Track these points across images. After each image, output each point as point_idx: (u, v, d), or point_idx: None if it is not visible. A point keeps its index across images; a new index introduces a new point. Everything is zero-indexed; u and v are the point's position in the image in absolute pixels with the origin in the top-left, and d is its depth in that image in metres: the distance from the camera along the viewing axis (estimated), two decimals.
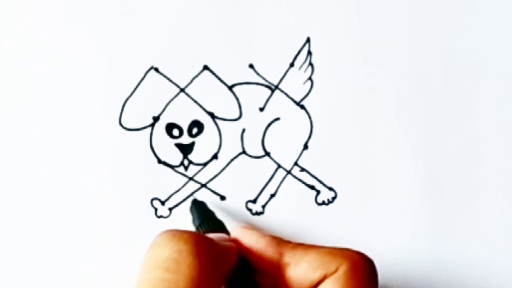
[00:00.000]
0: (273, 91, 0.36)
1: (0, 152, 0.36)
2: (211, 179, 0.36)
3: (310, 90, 0.36)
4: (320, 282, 0.27)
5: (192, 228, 0.34)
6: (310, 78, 0.36)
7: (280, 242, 0.29)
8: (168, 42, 0.36)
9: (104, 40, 0.36)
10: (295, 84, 0.36)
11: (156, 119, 0.36)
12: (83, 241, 0.36)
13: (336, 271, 0.27)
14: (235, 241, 0.29)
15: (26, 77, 0.36)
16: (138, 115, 0.36)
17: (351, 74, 0.36)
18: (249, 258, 0.29)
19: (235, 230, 0.30)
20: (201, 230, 0.32)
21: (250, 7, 0.36)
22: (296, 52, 0.36)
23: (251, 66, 0.36)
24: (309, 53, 0.36)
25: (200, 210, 0.34)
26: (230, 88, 0.36)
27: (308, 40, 0.36)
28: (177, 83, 0.36)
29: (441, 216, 0.37)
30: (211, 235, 0.29)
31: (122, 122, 0.36)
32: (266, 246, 0.28)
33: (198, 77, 0.36)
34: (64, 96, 0.36)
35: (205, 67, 0.36)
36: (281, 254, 0.28)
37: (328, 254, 0.27)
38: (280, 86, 0.36)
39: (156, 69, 0.36)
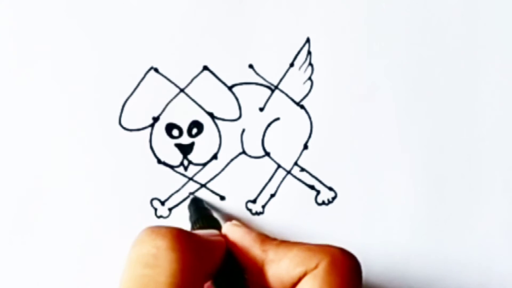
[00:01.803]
0: (273, 91, 0.36)
1: (0, 152, 0.36)
2: (211, 179, 0.36)
3: (310, 90, 0.36)
4: (300, 278, 0.27)
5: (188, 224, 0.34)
6: (310, 78, 0.36)
7: (265, 239, 0.29)
8: (168, 42, 0.36)
9: (104, 40, 0.36)
10: (295, 84, 0.36)
11: (156, 119, 0.36)
12: (83, 241, 0.36)
13: (316, 267, 0.26)
14: (224, 237, 0.29)
15: (26, 77, 0.36)
16: (138, 115, 0.36)
17: (351, 74, 0.36)
18: (235, 254, 0.29)
19: (224, 226, 0.31)
20: (195, 227, 0.32)
21: (250, 7, 0.36)
22: (296, 52, 0.36)
23: (251, 66, 0.36)
24: (309, 53, 0.36)
25: (196, 207, 0.34)
26: (230, 88, 0.36)
27: (308, 40, 0.36)
28: (177, 83, 0.36)
29: (441, 216, 0.37)
30: (201, 231, 0.29)
31: (122, 122, 0.36)
32: (252, 242, 0.29)
33: (198, 77, 0.36)
34: (64, 96, 0.36)
35: (205, 67, 0.36)
36: (265, 251, 0.28)
37: (308, 250, 0.27)
38: (280, 86, 0.36)
39: (156, 69, 0.36)
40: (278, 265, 0.27)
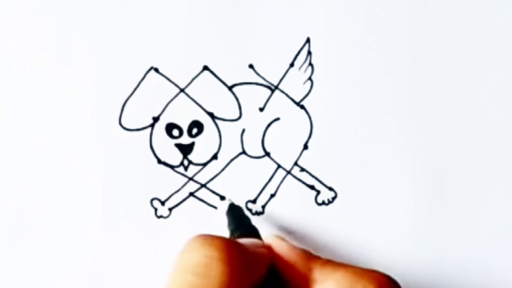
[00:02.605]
0: (273, 91, 0.36)
1: (0, 153, 0.36)
2: (211, 179, 0.36)
3: (310, 90, 0.36)
4: None
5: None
6: (310, 78, 0.36)
7: (311, 256, 0.29)
8: (168, 42, 0.36)
9: (104, 40, 0.36)
10: (295, 84, 0.36)
11: (156, 119, 0.36)
12: (83, 241, 0.36)
13: None
14: (268, 249, 0.29)
15: (26, 77, 0.36)
16: (138, 115, 0.36)
17: (351, 74, 0.36)
18: (279, 268, 0.29)
19: (269, 238, 0.31)
20: (235, 235, 0.32)
21: (250, 7, 0.36)
22: (296, 52, 0.36)
23: (251, 66, 0.36)
24: (309, 53, 0.36)
25: (235, 215, 0.34)
26: (230, 88, 0.36)
27: (308, 40, 0.36)
28: (177, 83, 0.36)
29: (441, 216, 0.37)
30: (245, 240, 0.29)
31: (122, 122, 0.36)
32: (297, 258, 0.29)
33: (198, 77, 0.36)
34: (64, 96, 0.36)
35: (205, 67, 0.36)
36: (310, 269, 0.28)
37: (355, 274, 0.27)
38: (280, 86, 0.36)
39: (156, 69, 0.36)
40: (322, 285, 0.28)
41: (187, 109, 0.36)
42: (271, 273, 0.28)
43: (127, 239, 0.36)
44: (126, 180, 0.36)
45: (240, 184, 0.36)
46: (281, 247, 0.29)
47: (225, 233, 0.35)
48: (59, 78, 0.36)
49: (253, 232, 0.32)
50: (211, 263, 0.25)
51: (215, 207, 0.36)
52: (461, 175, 0.37)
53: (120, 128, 0.36)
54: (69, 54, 0.36)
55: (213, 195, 0.36)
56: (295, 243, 0.32)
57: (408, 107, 0.37)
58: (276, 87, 0.36)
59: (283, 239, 0.31)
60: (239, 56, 0.36)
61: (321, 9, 0.36)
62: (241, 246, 0.27)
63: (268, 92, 0.36)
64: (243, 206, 0.36)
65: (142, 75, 0.36)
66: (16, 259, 0.36)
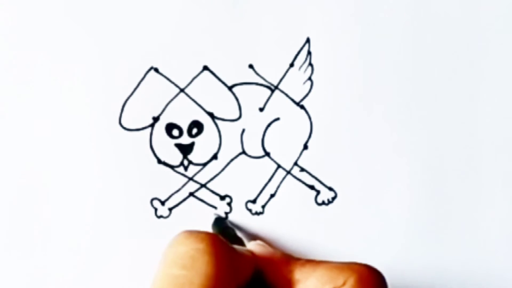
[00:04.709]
0: (273, 91, 0.36)
1: (1, 153, 0.36)
2: (211, 179, 0.36)
3: (310, 90, 0.36)
4: None
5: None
6: (310, 78, 0.36)
7: (290, 259, 0.29)
8: (168, 42, 0.36)
9: (104, 40, 0.36)
10: (295, 84, 0.36)
11: (156, 119, 0.36)
12: (83, 241, 0.36)
13: (344, 284, 0.27)
14: (252, 254, 0.30)
15: (26, 77, 0.36)
16: (138, 115, 0.36)
17: (351, 74, 0.36)
18: (263, 273, 0.29)
19: (249, 245, 0.31)
20: None
21: (250, 7, 0.36)
22: (296, 52, 0.36)
23: (251, 66, 0.36)
24: (309, 53, 0.36)
25: (220, 227, 0.35)
26: (230, 88, 0.36)
27: (308, 40, 0.36)
28: (177, 83, 0.36)
29: (440, 216, 0.37)
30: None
31: (122, 122, 0.36)
32: (278, 262, 0.29)
33: (198, 77, 0.36)
34: (64, 96, 0.36)
35: (205, 67, 0.36)
36: (291, 272, 0.28)
37: (335, 268, 0.27)
38: (280, 86, 0.36)
39: (156, 69, 0.36)
40: (305, 284, 0.28)
41: (187, 109, 0.36)
42: (256, 277, 0.28)
43: (127, 239, 0.36)
44: (126, 180, 0.36)
45: (240, 184, 0.36)
46: (262, 252, 0.30)
47: None
48: (59, 78, 0.36)
49: (239, 242, 0.33)
50: (197, 255, 0.25)
51: (215, 207, 0.36)
52: (461, 175, 0.37)
53: (120, 128, 0.36)
54: (69, 54, 0.36)
55: (213, 195, 0.36)
56: (292, 244, 0.32)
57: (408, 107, 0.37)
58: (276, 87, 0.36)
59: (264, 245, 0.31)
60: (239, 56, 0.36)
61: (321, 9, 0.36)
62: (227, 243, 0.27)
63: (268, 92, 0.36)
64: (243, 206, 0.36)
65: (142, 75, 0.36)
66: (16, 259, 0.36)
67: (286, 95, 0.36)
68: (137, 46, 0.36)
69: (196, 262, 0.25)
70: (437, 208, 0.37)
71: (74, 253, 0.36)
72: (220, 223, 0.35)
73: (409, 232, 0.37)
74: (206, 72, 0.36)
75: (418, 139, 0.37)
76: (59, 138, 0.36)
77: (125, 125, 0.36)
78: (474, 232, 0.37)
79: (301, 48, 0.36)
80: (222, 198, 0.36)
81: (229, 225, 0.35)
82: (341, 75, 0.36)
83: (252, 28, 0.36)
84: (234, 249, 0.27)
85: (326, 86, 0.36)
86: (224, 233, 0.34)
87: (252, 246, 0.31)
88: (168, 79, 0.36)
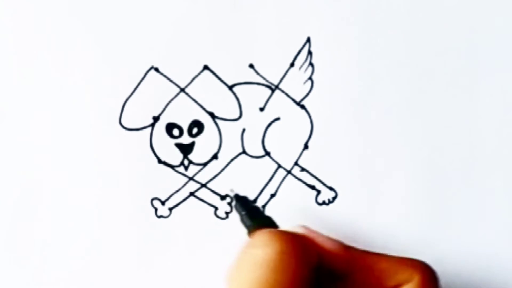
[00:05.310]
0: (273, 91, 0.36)
1: (1, 153, 0.35)
2: (211, 179, 0.36)
3: (310, 90, 0.36)
4: None
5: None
6: (310, 78, 0.36)
7: (347, 246, 0.29)
8: (168, 42, 0.36)
9: (105, 40, 0.36)
10: (295, 84, 0.36)
11: (156, 119, 0.36)
12: (83, 241, 0.36)
13: (410, 280, 0.27)
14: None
15: (26, 77, 0.36)
16: (138, 115, 0.36)
17: (351, 74, 0.36)
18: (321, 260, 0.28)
19: (298, 229, 0.30)
20: (254, 226, 0.31)
21: (250, 7, 0.36)
22: (296, 52, 0.36)
23: (251, 66, 0.36)
24: (309, 53, 0.36)
25: (247, 208, 0.33)
26: (230, 88, 0.36)
27: (308, 40, 0.36)
28: (177, 83, 0.36)
29: (441, 216, 0.37)
30: (293, 230, 0.29)
31: (122, 122, 0.36)
32: (337, 248, 0.28)
33: (198, 77, 0.36)
34: (64, 96, 0.36)
35: (205, 67, 0.36)
36: (352, 259, 0.28)
37: (399, 262, 0.28)
38: (280, 86, 0.36)
39: (156, 69, 0.36)
40: (369, 274, 0.28)
41: (187, 108, 0.36)
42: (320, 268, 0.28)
43: (127, 239, 0.36)
44: (126, 180, 0.36)
45: (240, 184, 0.36)
46: (318, 238, 0.29)
47: (228, 232, 0.35)
48: (59, 78, 0.36)
49: (269, 221, 0.32)
50: (284, 258, 0.25)
51: (215, 207, 0.36)
52: (462, 175, 0.37)
53: (120, 128, 0.36)
54: (69, 54, 0.36)
55: (213, 195, 0.36)
56: None
57: (408, 107, 0.37)
58: (277, 87, 0.36)
59: (312, 230, 0.30)
60: (239, 56, 0.36)
61: (321, 9, 0.36)
62: (302, 238, 0.27)
63: (269, 91, 0.36)
64: None
65: (142, 75, 0.36)
66: (16, 259, 0.35)
67: (287, 94, 0.36)
68: (137, 45, 0.36)
69: (284, 265, 0.25)
70: (437, 208, 0.37)
71: (74, 253, 0.35)
72: (246, 202, 0.34)
73: (409, 232, 0.37)
74: (206, 71, 0.36)
75: (419, 139, 0.37)
76: (59, 138, 0.36)
77: (125, 125, 0.36)
78: (475, 234, 0.37)
79: (302, 48, 0.36)
80: (223, 198, 0.36)
81: (254, 204, 0.34)
82: (342, 75, 0.36)
83: (253, 27, 0.36)
84: (307, 242, 0.27)
85: (326, 86, 0.36)
86: (253, 212, 0.33)
87: (303, 231, 0.29)
88: (168, 78, 0.36)
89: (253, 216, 0.32)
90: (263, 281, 0.25)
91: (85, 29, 0.36)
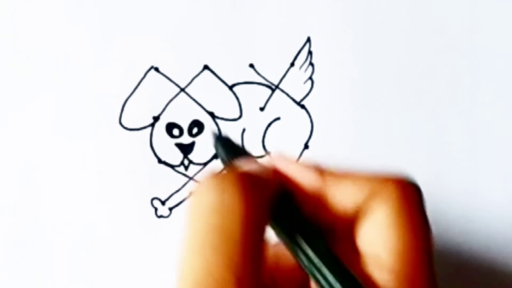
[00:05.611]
0: (273, 90, 0.36)
1: (1, 153, 0.35)
2: None
3: (310, 90, 0.36)
4: (370, 205, 0.25)
5: None
6: (310, 78, 0.36)
7: (319, 165, 0.26)
8: (168, 42, 0.36)
9: (105, 40, 0.36)
10: (295, 84, 0.36)
11: (156, 119, 0.36)
12: (83, 241, 0.35)
13: (388, 195, 0.25)
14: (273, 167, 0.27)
15: (27, 77, 0.36)
16: (138, 115, 0.36)
17: (352, 74, 0.36)
18: (288, 185, 0.27)
19: (268, 157, 0.28)
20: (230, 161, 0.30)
21: (251, 7, 0.36)
22: (296, 52, 0.36)
23: (251, 65, 0.36)
24: (310, 52, 0.36)
25: (224, 144, 0.30)
26: (231, 88, 0.36)
27: (308, 40, 0.36)
28: (177, 82, 0.36)
29: (441, 216, 0.37)
30: (252, 165, 0.27)
31: (123, 121, 0.36)
32: (306, 169, 0.26)
33: (198, 77, 0.36)
34: (64, 96, 0.36)
35: (205, 67, 0.36)
36: (324, 176, 0.26)
37: (377, 177, 0.25)
38: (280, 86, 0.36)
39: (156, 69, 0.36)
40: (342, 191, 0.25)
41: (187, 108, 0.36)
42: (284, 195, 0.26)
43: (128, 239, 0.36)
44: (126, 180, 0.36)
45: None
46: (284, 162, 0.27)
47: None
48: (59, 78, 0.36)
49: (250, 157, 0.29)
50: (229, 199, 0.24)
51: None
52: (461, 175, 0.37)
53: (120, 127, 0.36)
54: (69, 54, 0.36)
55: None
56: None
57: (408, 107, 0.37)
58: (277, 87, 0.36)
59: (286, 155, 0.28)
60: (239, 56, 0.36)
61: (321, 9, 0.36)
62: (251, 175, 0.25)
63: (269, 91, 0.36)
64: None
65: (143, 75, 0.36)
66: (15, 259, 0.35)
67: (287, 94, 0.36)
68: (137, 45, 0.36)
69: (229, 206, 0.24)
70: (437, 208, 0.37)
71: (74, 253, 0.35)
72: (225, 140, 0.32)
73: None
74: (206, 71, 0.36)
75: (419, 138, 0.37)
76: (60, 138, 0.36)
77: (125, 125, 0.36)
78: (475, 233, 0.37)
79: (302, 48, 0.36)
80: None
81: (234, 141, 0.33)
82: (342, 74, 0.36)
83: (253, 27, 0.36)
84: (260, 177, 0.26)
85: (326, 86, 0.36)
86: (231, 150, 0.31)
87: (272, 158, 0.28)
88: (168, 78, 0.36)
89: (231, 155, 0.31)
90: (209, 227, 0.24)
91: (85, 29, 0.36)
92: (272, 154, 0.29)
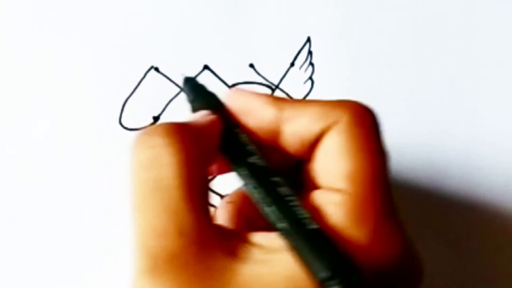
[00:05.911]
0: (273, 90, 0.36)
1: (0, 152, 0.35)
2: (211, 179, 0.36)
3: (310, 90, 0.36)
4: (322, 134, 0.25)
5: None
6: (310, 78, 0.36)
7: (278, 98, 0.27)
8: (168, 42, 0.36)
9: (105, 40, 0.36)
10: (295, 84, 0.36)
11: (156, 119, 0.36)
12: (83, 241, 0.35)
13: (338, 121, 0.25)
14: (226, 107, 0.28)
15: (27, 77, 0.36)
16: (138, 115, 0.36)
17: (352, 74, 0.36)
18: (244, 121, 0.27)
19: (227, 93, 0.28)
20: (195, 106, 0.30)
21: (251, 7, 0.36)
22: (296, 52, 0.36)
23: (251, 65, 0.36)
24: (310, 52, 0.36)
25: (191, 85, 0.31)
26: (231, 87, 0.36)
27: (308, 40, 0.36)
28: (177, 83, 0.36)
29: (441, 216, 0.37)
30: (192, 115, 0.28)
31: (123, 121, 0.36)
32: (263, 104, 0.27)
33: (198, 77, 0.36)
34: (64, 96, 0.36)
35: (205, 67, 0.36)
36: (280, 110, 0.26)
37: (328, 105, 0.26)
38: (280, 86, 0.36)
39: (156, 69, 0.36)
40: (296, 122, 0.26)
41: (187, 108, 0.36)
42: (228, 135, 0.27)
43: (128, 239, 0.35)
44: (126, 180, 0.36)
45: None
46: (241, 99, 0.27)
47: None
48: (59, 78, 0.36)
49: (211, 99, 0.30)
50: (159, 151, 0.24)
51: (215, 207, 0.36)
52: (462, 175, 0.37)
53: (120, 128, 0.36)
54: (69, 54, 0.36)
55: (213, 194, 0.36)
56: None
57: (408, 107, 0.37)
58: (277, 87, 0.36)
59: (244, 90, 0.28)
60: (239, 55, 0.36)
61: (321, 9, 0.36)
62: (183, 124, 0.25)
63: (269, 91, 0.36)
64: None
65: (143, 75, 0.36)
66: (15, 259, 0.35)
67: (287, 94, 0.36)
68: (137, 45, 0.36)
69: (161, 158, 0.24)
70: (437, 208, 0.37)
71: (74, 253, 0.35)
72: (190, 82, 0.32)
73: (409, 230, 0.36)
74: (206, 71, 0.36)
75: (419, 139, 0.37)
76: (59, 138, 0.36)
77: (125, 125, 0.36)
78: (475, 234, 0.37)
79: (302, 48, 0.36)
80: (223, 198, 0.36)
81: (199, 82, 0.32)
82: (342, 74, 0.36)
83: (253, 27, 0.36)
84: (193, 124, 0.26)
85: (326, 86, 0.36)
86: (196, 92, 0.31)
87: (229, 95, 0.28)
88: (168, 78, 0.36)
89: (197, 95, 0.31)
90: (147, 181, 0.24)
91: (85, 29, 0.36)
92: (229, 90, 0.29)
